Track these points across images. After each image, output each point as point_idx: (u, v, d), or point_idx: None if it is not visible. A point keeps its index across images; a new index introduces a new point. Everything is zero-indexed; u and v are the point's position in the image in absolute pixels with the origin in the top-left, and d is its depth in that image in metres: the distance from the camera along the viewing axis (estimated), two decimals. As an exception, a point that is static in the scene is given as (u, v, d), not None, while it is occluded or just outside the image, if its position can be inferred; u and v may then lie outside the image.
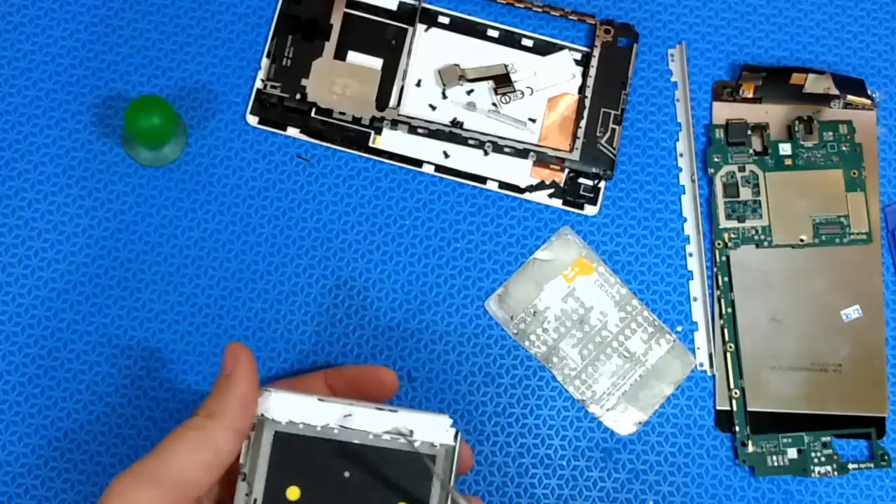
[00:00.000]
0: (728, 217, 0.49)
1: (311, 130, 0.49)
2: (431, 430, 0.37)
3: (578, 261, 0.49)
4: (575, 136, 0.49)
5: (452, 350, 0.48)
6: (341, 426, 0.36)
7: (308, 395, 0.37)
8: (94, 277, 0.48)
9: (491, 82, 0.50)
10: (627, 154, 0.50)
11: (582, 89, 0.50)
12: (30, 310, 0.47)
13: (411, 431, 0.37)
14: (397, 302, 0.48)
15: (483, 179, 0.49)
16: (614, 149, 0.49)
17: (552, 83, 0.50)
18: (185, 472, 0.34)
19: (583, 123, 0.49)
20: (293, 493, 0.36)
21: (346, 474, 0.36)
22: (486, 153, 0.49)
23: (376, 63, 0.50)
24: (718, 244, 0.49)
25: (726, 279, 0.48)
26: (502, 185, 0.49)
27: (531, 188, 0.49)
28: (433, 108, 0.50)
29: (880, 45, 0.52)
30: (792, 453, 0.47)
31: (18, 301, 0.47)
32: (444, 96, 0.50)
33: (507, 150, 0.49)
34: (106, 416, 0.46)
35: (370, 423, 0.37)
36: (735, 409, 0.47)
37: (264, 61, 0.50)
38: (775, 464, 0.47)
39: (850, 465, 0.47)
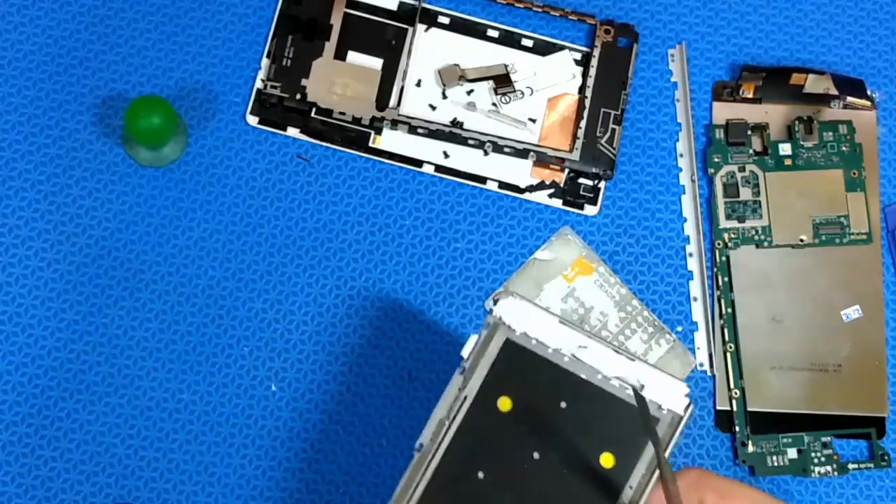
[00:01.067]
0: (728, 217, 0.49)
1: (311, 130, 0.49)
2: (665, 392, 0.34)
3: (578, 261, 0.49)
4: (575, 136, 0.49)
5: (453, 350, 0.48)
6: (573, 356, 0.34)
7: (550, 313, 0.35)
8: (94, 277, 0.48)
9: (491, 82, 0.50)
10: (627, 154, 0.50)
11: (582, 89, 0.50)
12: (30, 310, 0.47)
13: (643, 386, 0.34)
14: (397, 302, 0.48)
15: (483, 179, 0.49)
16: (614, 149, 0.49)
17: (552, 83, 0.50)
18: None
19: (583, 123, 0.49)
20: (505, 403, 0.34)
21: (563, 405, 0.34)
22: (486, 153, 0.49)
23: (376, 63, 0.50)
24: (718, 244, 0.49)
25: (726, 279, 0.48)
26: (502, 185, 0.49)
27: (531, 188, 0.49)
28: (433, 108, 0.50)
29: (880, 45, 0.52)
30: (792, 453, 0.47)
31: (18, 301, 0.47)
32: (444, 96, 0.50)
33: (507, 150, 0.49)
34: (105, 416, 0.46)
35: (603, 362, 0.34)
36: (735, 409, 0.47)
37: (264, 61, 0.50)
38: (775, 464, 0.47)
39: (850, 465, 0.47)
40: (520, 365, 0.34)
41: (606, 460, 0.33)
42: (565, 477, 0.33)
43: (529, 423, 0.34)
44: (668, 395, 0.34)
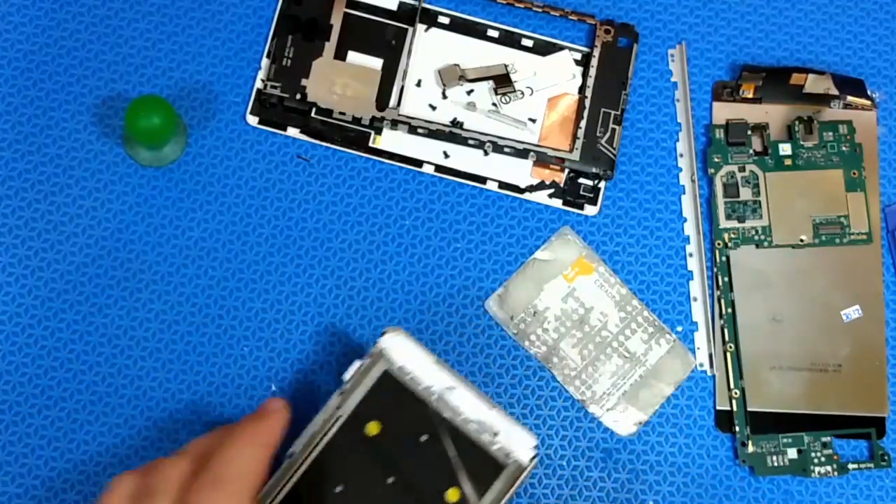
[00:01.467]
0: (728, 217, 0.49)
1: (311, 130, 0.49)
2: (514, 441, 0.38)
3: (578, 261, 0.49)
4: (575, 136, 0.49)
5: (452, 350, 0.48)
6: (440, 396, 0.38)
7: (428, 353, 0.39)
8: (94, 277, 0.48)
9: (491, 82, 0.50)
10: (627, 154, 0.50)
11: (582, 89, 0.50)
12: (30, 310, 0.47)
13: (496, 433, 0.38)
14: (397, 302, 0.48)
15: (483, 179, 0.49)
16: (614, 149, 0.49)
17: (552, 83, 0.50)
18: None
19: (583, 123, 0.49)
20: (373, 427, 0.38)
21: (423, 438, 0.37)
22: (486, 153, 0.49)
23: (376, 63, 0.50)
24: (718, 244, 0.49)
25: (726, 279, 0.48)
26: (502, 185, 0.49)
27: (531, 188, 0.49)
28: (433, 108, 0.50)
29: (880, 45, 0.52)
30: (792, 453, 0.47)
31: (18, 301, 0.47)
32: (444, 96, 0.50)
33: (507, 150, 0.49)
34: (105, 416, 0.46)
35: (466, 405, 0.38)
36: (735, 409, 0.47)
37: (264, 61, 0.50)
38: (775, 464, 0.47)
39: (850, 465, 0.47)
40: (392, 395, 0.38)
41: (452, 495, 0.37)
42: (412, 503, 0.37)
43: (391, 449, 0.38)
44: (517, 445, 0.38)
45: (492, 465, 0.37)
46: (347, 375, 0.39)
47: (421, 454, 0.37)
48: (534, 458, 0.38)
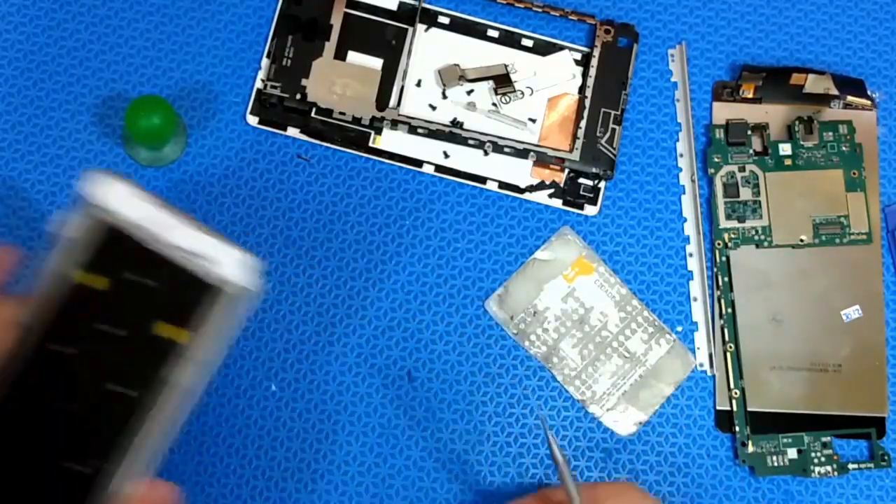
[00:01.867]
0: (728, 217, 0.49)
1: (311, 130, 0.49)
2: (231, 264, 0.36)
3: (578, 261, 0.49)
4: (575, 136, 0.49)
5: (452, 350, 0.48)
6: (161, 236, 0.36)
7: (153, 197, 0.36)
8: (93, 277, 0.48)
9: (491, 82, 0.50)
10: (627, 154, 0.50)
11: (582, 89, 0.50)
12: (30, 310, 0.47)
13: (215, 262, 0.36)
14: (397, 302, 0.48)
15: (483, 179, 0.49)
16: (614, 149, 0.49)
17: (552, 83, 0.50)
18: None
19: (583, 123, 0.49)
20: (99, 282, 0.35)
21: (151, 284, 0.36)
22: (486, 153, 0.49)
23: (376, 63, 0.50)
24: (718, 244, 0.49)
25: (726, 279, 0.48)
26: (502, 185, 0.49)
27: (531, 188, 0.49)
28: (433, 108, 0.50)
29: (880, 45, 0.52)
30: (792, 453, 0.47)
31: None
32: (444, 96, 0.50)
33: (507, 150, 0.49)
34: (106, 416, 0.46)
35: (188, 241, 0.36)
36: (735, 409, 0.47)
37: (264, 61, 0.50)
38: (775, 464, 0.47)
39: (850, 465, 0.47)
40: (114, 245, 0.35)
41: (182, 336, 0.35)
42: (143, 350, 0.35)
43: (120, 302, 0.35)
44: (234, 269, 0.35)
45: (213, 294, 0.35)
46: (56, 228, 0.35)
47: (152, 301, 0.35)
48: (252, 279, 0.35)
